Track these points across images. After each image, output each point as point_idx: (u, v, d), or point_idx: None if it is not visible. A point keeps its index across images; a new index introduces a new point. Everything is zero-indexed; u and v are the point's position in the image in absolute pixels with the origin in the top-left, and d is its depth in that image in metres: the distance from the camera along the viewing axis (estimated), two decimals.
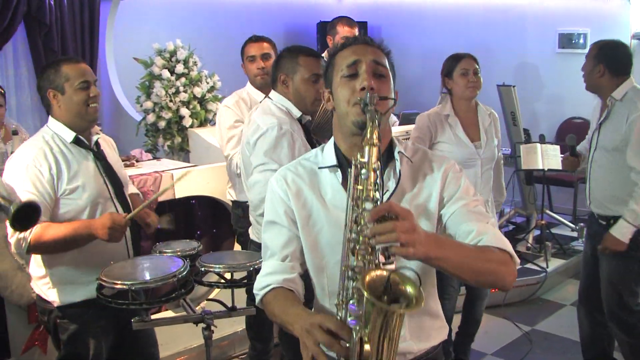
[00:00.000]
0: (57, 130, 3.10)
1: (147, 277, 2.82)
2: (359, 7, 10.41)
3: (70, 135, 3.09)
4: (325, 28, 9.69)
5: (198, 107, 5.83)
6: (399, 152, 2.11)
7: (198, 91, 5.82)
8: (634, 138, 3.86)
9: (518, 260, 1.97)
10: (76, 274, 3.07)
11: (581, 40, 8.18)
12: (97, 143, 3.21)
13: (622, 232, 3.91)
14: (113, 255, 3.09)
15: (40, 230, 2.87)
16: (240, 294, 3.29)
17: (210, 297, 4.36)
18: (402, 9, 10.07)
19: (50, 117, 3.14)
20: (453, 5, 9.51)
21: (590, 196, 4.15)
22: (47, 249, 2.96)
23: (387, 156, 2.11)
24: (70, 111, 3.08)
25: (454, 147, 4.23)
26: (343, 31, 5.43)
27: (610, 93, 3.97)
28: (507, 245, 1.96)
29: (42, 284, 3.13)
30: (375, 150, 1.82)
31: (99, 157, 3.18)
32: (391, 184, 2.08)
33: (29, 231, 2.84)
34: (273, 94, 3.47)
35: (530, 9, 8.76)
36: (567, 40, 8.36)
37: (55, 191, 2.99)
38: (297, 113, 3.41)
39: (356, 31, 5.46)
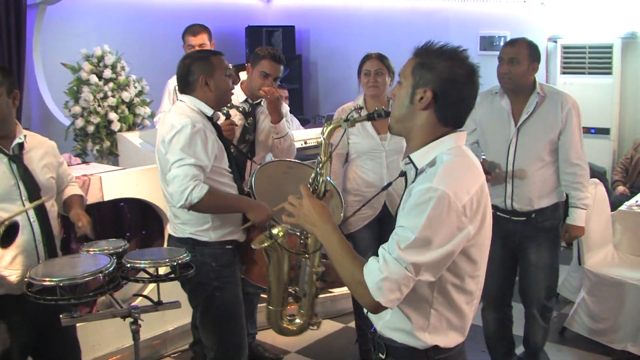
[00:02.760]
0: None
1: (75, 273, 2.91)
2: (286, 12, 10.53)
3: None
4: (253, 33, 9.82)
5: (126, 112, 5.85)
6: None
7: (126, 96, 5.84)
8: (573, 134, 4.05)
9: (377, 297, 2.06)
10: None
11: (501, 43, 8.40)
12: (20, 146, 3.29)
13: (581, 218, 4.18)
14: (24, 254, 3.22)
15: None
16: (167, 290, 3.38)
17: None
18: (329, 13, 10.20)
19: None
20: (379, 8, 9.68)
21: (513, 195, 4.16)
22: None
23: None
24: None
25: (361, 138, 4.55)
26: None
27: (534, 89, 4.08)
28: (367, 276, 2.10)
29: None
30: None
31: (16, 160, 3.25)
32: None
33: None
34: (184, 97, 3.62)
35: (452, 13, 9.00)
36: (488, 43, 8.60)
37: None
38: (209, 111, 3.59)
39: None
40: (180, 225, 3.64)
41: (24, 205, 3.22)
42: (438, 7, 9.13)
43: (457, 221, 2.06)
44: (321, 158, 2.64)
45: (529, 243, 4.24)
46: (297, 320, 2.80)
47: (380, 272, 2.07)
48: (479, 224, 2.14)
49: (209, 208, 3.42)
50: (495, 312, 4.44)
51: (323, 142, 2.66)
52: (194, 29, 5.39)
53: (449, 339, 2.24)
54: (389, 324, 2.30)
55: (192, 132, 3.39)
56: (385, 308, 2.11)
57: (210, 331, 3.73)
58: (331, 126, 2.65)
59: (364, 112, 4.37)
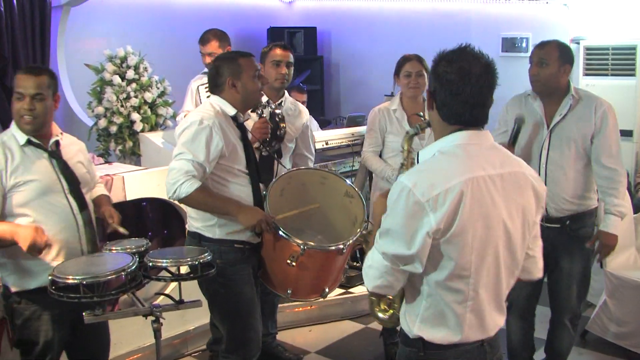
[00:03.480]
0: (14, 132, 3.35)
1: (98, 271, 2.96)
2: (308, 13, 10.54)
3: (22, 138, 3.32)
4: (275, 34, 9.84)
5: (149, 112, 5.90)
6: None
7: (148, 96, 5.89)
8: (607, 137, 3.97)
9: (365, 282, 2.39)
10: (31, 263, 3.27)
11: (523, 44, 8.37)
12: (57, 143, 3.42)
13: (615, 226, 4.02)
14: (68, 247, 3.32)
15: None
16: (188, 289, 3.41)
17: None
18: (351, 15, 10.20)
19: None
20: (400, 10, 9.66)
21: (547, 198, 3.97)
22: None
23: None
24: (13, 118, 3.34)
25: (399, 138, 4.49)
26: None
27: (567, 92, 4.02)
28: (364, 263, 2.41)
29: (2, 270, 3.36)
30: None
31: (55, 156, 3.38)
32: None
33: None
34: (212, 97, 3.73)
35: (474, 14, 8.95)
36: (510, 44, 8.54)
37: (3, 186, 3.22)
38: (231, 111, 3.66)
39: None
40: (190, 219, 3.77)
41: (66, 197, 3.37)
42: (459, 9, 9.10)
43: (416, 213, 2.18)
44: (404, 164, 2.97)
45: (562, 252, 4.14)
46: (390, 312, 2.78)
47: (368, 260, 2.33)
48: (448, 220, 2.18)
49: (197, 205, 3.55)
50: (520, 321, 4.36)
51: (405, 151, 2.97)
52: (203, 37, 5.41)
53: (438, 335, 2.32)
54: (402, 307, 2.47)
55: (197, 129, 3.50)
56: (381, 294, 2.45)
57: (219, 324, 3.90)
58: (407, 138, 2.99)
59: (400, 113, 4.56)
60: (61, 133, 3.51)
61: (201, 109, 3.67)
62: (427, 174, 2.25)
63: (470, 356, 2.35)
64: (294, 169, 4.30)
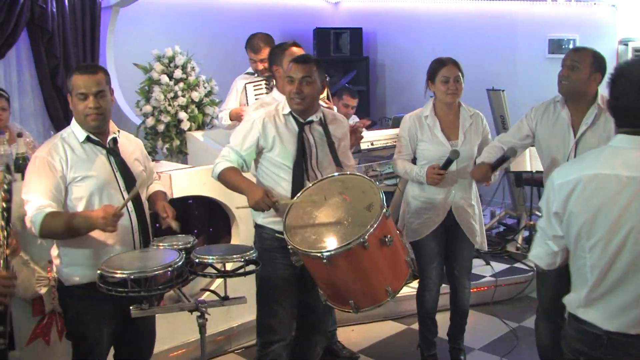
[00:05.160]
0: (74, 129, 3.44)
1: (145, 267, 3.01)
2: (354, 14, 10.56)
3: (82, 135, 3.41)
4: (321, 35, 9.87)
5: (196, 111, 5.95)
6: None
7: (196, 95, 5.94)
8: None
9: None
10: (84, 257, 3.36)
11: (571, 46, 8.29)
12: (114, 140, 3.50)
13: None
14: (122, 242, 3.39)
15: (49, 219, 3.19)
16: (233, 285, 3.44)
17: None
18: (397, 15, 10.20)
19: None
20: (446, 11, 9.64)
21: None
22: (55, 235, 3.31)
23: None
24: (75, 116, 3.43)
25: (431, 145, 4.49)
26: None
27: (594, 101, 4.00)
28: None
29: (57, 263, 3.45)
30: None
31: (113, 153, 3.46)
32: None
33: (37, 217, 3.18)
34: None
35: (520, 15, 8.89)
36: (556, 46, 8.48)
37: (65, 179, 3.30)
38: (285, 110, 3.84)
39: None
40: None
41: (122, 195, 3.43)
42: (506, 10, 9.04)
43: (550, 195, 2.63)
44: None
45: None
46: None
47: None
48: (562, 205, 2.56)
49: (225, 183, 3.84)
50: (549, 323, 4.32)
51: None
52: (253, 44, 5.45)
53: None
54: None
55: (245, 121, 3.94)
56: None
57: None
58: None
59: (432, 120, 4.47)
60: (118, 131, 3.59)
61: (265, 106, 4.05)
62: (568, 164, 2.75)
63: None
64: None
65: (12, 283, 2.85)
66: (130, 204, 3.44)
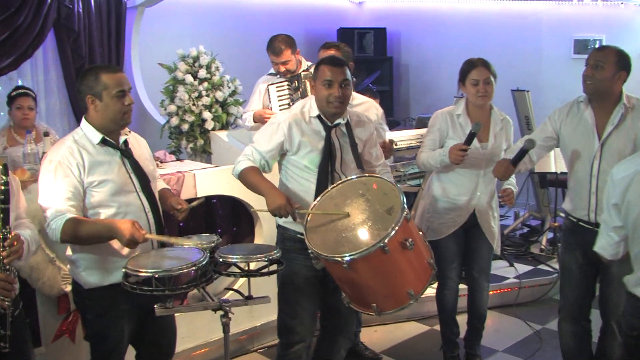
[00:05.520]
0: (87, 132, 3.37)
1: (169, 266, 3.03)
2: (378, 14, 10.54)
3: (97, 137, 3.36)
4: (345, 34, 9.87)
5: (220, 111, 5.97)
6: None
7: (220, 95, 5.95)
8: None
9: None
10: (103, 260, 3.35)
11: (596, 46, 8.24)
12: (125, 142, 3.47)
13: None
14: (140, 246, 3.33)
15: (70, 224, 3.16)
16: (256, 285, 3.45)
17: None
18: (421, 15, 10.17)
19: (84, 118, 3.41)
20: (471, 10, 9.60)
21: (597, 209, 3.98)
22: (76, 241, 3.27)
23: None
24: (105, 117, 3.35)
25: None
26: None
27: (619, 101, 3.95)
28: None
29: (74, 267, 3.42)
30: None
31: (126, 154, 3.44)
32: None
33: (58, 223, 3.15)
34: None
35: (546, 15, 8.84)
36: (582, 46, 8.41)
37: (83, 183, 3.27)
38: (314, 112, 3.81)
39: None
40: None
41: (138, 196, 3.44)
42: (531, 9, 8.98)
43: (610, 189, 3.20)
44: None
45: None
46: None
47: None
48: (620, 197, 3.12)
49: (244, 182, 3.86)
50: (573, 325, 4.28)
51: None
52: (274, 47, 5.36)
53: None
54: None
55: (269, 122, 3.92)
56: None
57: None
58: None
59: (464, 119, 4.43)
60: (129, 131, 3.56)
61: (291, 108, 4.01)
62: (627, 161, 3.20)
63: None
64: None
65: (9, 287, 2.87)
66: (147, 204, 3.45)
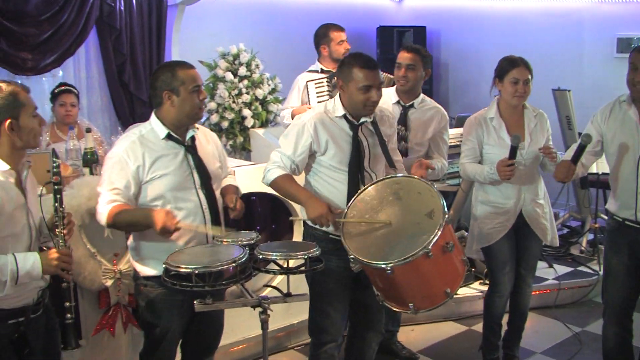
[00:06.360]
0: (155, 126, 3.47)
1: (209, 262, 3.05)
2: (417, 12, 10.50)
3: (163, 132, 3.45)
4: (385, 33, 9.85)
5: (259, 108, 6.00)
6: None
7: (260, 93, 5.99)
8: None
9: None
10: (157, 250, 3.42)
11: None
12: (192, 138, 3.54)
13: None
14: (194, 239, 3.48)
15: (114, 211, 3.29)
16: (295, 283, 3.45)
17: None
18: (461, 13, 10.11)
19: (153, 113, 3.50)
20: (511, 9, 9.52)
21: None
22: (119, 227, 3.44)
23: None
24: (182, 111, 3.43)
25: (497, 148, 4.38)
26: (337, 36, 5.56)
27: None
28: None
29: (134, 254, 3.57)
30: None
31: (191, 151, 3.51)
32: None
33: (105, 210, 3.30)
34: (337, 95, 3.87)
35: (588, 14, 8.73)
36: (625, 45, 8.27)
37: (139, 178, 3.37)
38: (339, 112, 3.77)
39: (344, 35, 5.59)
40: None
41: (197, 193, 3.50)
42: (572, 7, 8.87)
43: None
44: None
45: None
46: None
47: None
48: None
49: (279, 190, 3.86)
50: (616, 326, 4.23)
51: None
52: (338, 26, 5.55)
53: None
54: None
55: (292, 125, 3.89)
56: None
57: None
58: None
59: (497, 122, 4.39)
60: (197, 127, 3.61)
61: (314, 109, 3.93)
62: None
63: None
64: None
65: (72, 261, 3.02)
66: (204, 201, 3.51)
